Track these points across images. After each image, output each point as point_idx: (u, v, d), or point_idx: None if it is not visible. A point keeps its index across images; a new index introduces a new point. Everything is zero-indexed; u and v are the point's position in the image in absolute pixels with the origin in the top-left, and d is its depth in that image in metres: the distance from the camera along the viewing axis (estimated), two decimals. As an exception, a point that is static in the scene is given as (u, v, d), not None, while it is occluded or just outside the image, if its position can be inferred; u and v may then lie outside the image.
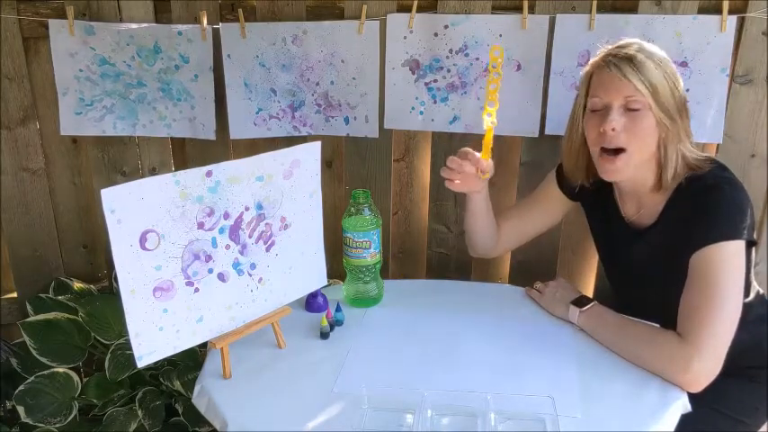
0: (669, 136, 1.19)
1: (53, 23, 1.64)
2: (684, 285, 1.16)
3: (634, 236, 1.31)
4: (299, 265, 1.26)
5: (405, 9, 1.61)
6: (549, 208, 1.48)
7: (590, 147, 1.26)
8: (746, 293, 1.21)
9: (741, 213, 1.15)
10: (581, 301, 1.29)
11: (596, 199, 1.40)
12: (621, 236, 1.34)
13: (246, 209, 1.14)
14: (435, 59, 1.63)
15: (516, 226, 1.49)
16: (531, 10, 1.55)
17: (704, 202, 1.17)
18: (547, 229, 1.51)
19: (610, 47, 1.23)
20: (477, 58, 1.60)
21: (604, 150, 1.21)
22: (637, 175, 1.24)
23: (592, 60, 1.25)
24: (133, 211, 0.99)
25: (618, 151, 1.20)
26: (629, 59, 1.16)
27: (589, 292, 1.77)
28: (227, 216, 1.11)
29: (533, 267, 1.56)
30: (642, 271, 1.31)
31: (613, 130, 1.17)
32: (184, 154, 1.83)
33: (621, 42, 1.22)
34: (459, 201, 1.77)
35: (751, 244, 1.19)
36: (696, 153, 1.23)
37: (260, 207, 1.16)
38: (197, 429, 1.64)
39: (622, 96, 1.17)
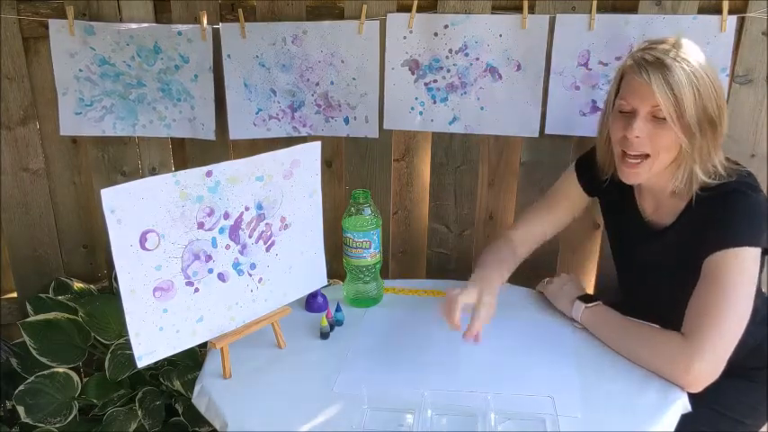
0: (687, 154, 1.16)
1: (53, 23, 1.64)
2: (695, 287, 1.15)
3: (651, 236, 1.29)
4: (299, 265, 1.26)
5: (405, 9, 1.60)
6: (567, 206, 1.44)
7: (613, 146, 1.24)
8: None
9: (761, 220, 1.14)
10: (586, 299, 1.30)
11: (615, 194, 1.37)
12: (637, 234, 1.33)
13: (246, 209, 1.14)
14: (435, 59, 1.63)
15: (533, 232, 1.45)
16: (531, 10, 1.55)
17: (724, 207, 1.15)
18: (561, 229, 1.48)
19: (642, 48, 1.18)
20: (477, 59, 1.60)
21: (626, 154, 1.20)
22: (656, 179, 1.23)
23: (629, 56, 1.20)
24: (133, 211, 0.99)
25: (640, 155, 1.18)
26: (662, 67, 1.11)
27: (589, 292, 1.77)
28: (227, 216, 1.11)
29: (533, 267, 1.55)
30: (655, 270, 1.30)
31: (637, 137, 1.16)
32: (184, 154, 1.83)
33: (660, 40, 1.18)
34: (458, 201, 1.77)
35: (766, 251, 1.17)
36: (722, 164, 1.19)
37: (260, 207, 1.16)
38: (197, 429, 1.64)
39: (649, 105, 1.14)
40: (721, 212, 1.16)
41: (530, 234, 1.45)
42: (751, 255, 1.12)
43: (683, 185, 1.20)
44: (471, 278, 1.27)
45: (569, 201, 1.44)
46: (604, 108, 1.30)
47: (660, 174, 1.21)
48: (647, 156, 1.17)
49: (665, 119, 1.13)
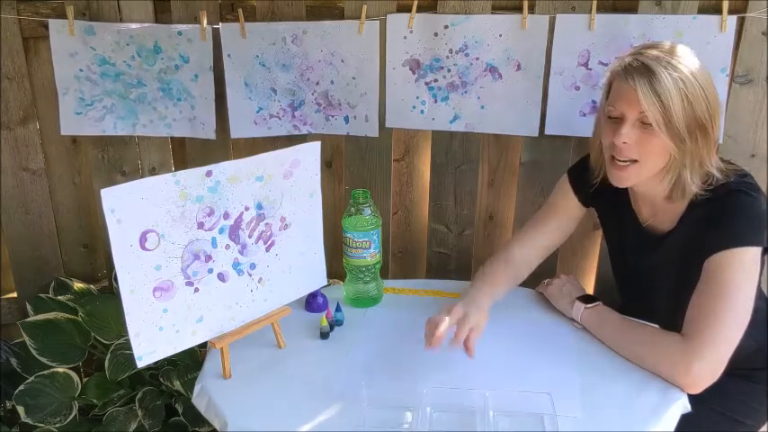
0: (678, 159, 1.15)
1: (53, 23, 1.64)
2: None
3: (651, 242, 1.29)
4: (299, 265, 1.26)
5: (405, 9, 1.60)
6: (565, 219, 1.42)
7: (603, 151, 1.24)
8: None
9: (760, 220, 1.14)
10: (586, 299, 1.29)
11: (611, 203, 1.37)
12: (637, 242, 1.32)
13: (246, 209, 1.14)
14: (435, 59, 1.63)
15: (534, 248, 1.41)
16: (531, 10, 1.55)
17: (724, 207, 1.15)
18: (560, 243, 1.45)
19: (629, 55, 1.16)
20: (478, 58, 1.60)
21: (614, 159, 1.19)
22: (649, 184, 1.23)
23: (618, 62, 1.19)
24: (133, 211, 0.99)
25: (628, 160, 1.18)
26: (648, 73, 1.10)
27: (589, 293, 1.77)
28: (226, 216, 1.11)
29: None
30: (656, 276, 1.30)
31: (624, 143, 1.15)
32: (184, 154, 1.83)
33: (652, 44, 1.17)
34: (458, 201, 1.77)
35: (767, 251, 1.17)
36: (718, 167, 1.18)
37: (260, 207, 1.16)
38: (197, 429, 1.64)
39: (636, 111, 1.13)
40: (721, 213, 1.15)
41: (532, 251, 1.40)
42: (751, 255, 1.12)
43: (678, 191, 1.19)
44: (460, 299, 1.22)
45: (566, 213, 1.42)
46: (598, 111, 1.29)
47: (652, 179, 1.21)
48: (636, 161, 1.17)
49: (651, 125, 1.12)
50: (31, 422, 1.59)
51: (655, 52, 1.13)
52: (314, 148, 1.22)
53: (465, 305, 1.17)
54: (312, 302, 1.39)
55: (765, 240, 1.14)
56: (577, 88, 1.58)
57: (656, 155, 1.15)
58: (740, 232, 1.13)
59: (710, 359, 1.09)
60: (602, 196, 1.36)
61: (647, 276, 1.32)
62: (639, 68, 1.12)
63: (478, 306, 1.19)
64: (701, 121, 1.13)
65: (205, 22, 1.63)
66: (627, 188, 1.33)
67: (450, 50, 1.61)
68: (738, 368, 1.16)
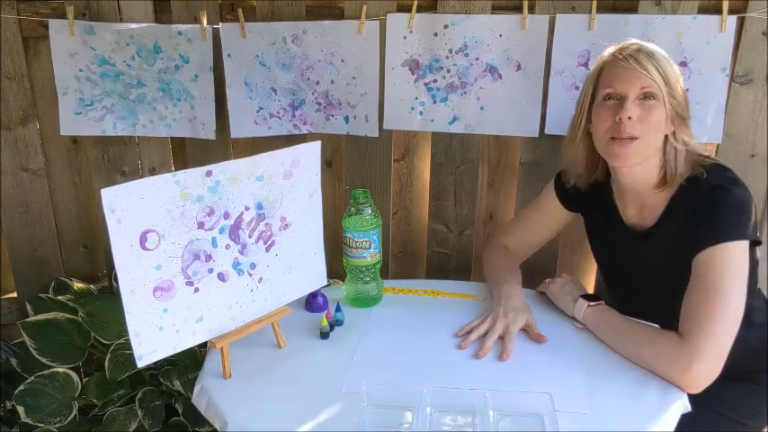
0: (675, 130, 1.20)
1: (53, 23, 1.64)
2: (687, 286, 1.16)
3: (636, 239, 1.30)
4: (299, 265, 1.26)
5: (405, 9, 1.61)
6: (550, 220, 1.49)
7: (597, 139, 1.25)
8: (750, 294, 1.21)
9: (745, 213, 1.15)
10: (588, 298, 1.30)
11: (595, 205, 1.39)
12: (622, 240, 1.33)
13: (246, 209, 1.14)
14: (435, 59, 1.63)
15: (525, 243, 1.52)
16: (531, 10, 1.55)
17: (708, 203, 1.16)
18: (551, 238, 1.55)
19: (615, 47, 1.24)
20: (477, 59, 1.60)
21: (615, 139, 1.21)
22: (641, 170, 1.24)
23: (599, 58, 1.26)
24: (133, 211, 0.99)
25: (631, 139, 1.20)
26: (644, 52, 1.19)
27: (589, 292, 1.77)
28: (227, 216, 1.11)
29: (533, 268, 1.56)
30: (644, 273, 1.31)
31: (630, 118, 1.17)
32: (184, 154, 1.83)
33: (626, 42, 1.24)
34: (458, 201, 1.77)
35: (755, 243, 1.18)
36: (699, 149, 1.24)
37: (260, 207, 1.16)
38: (197, 429, 1.64)
39: (638, 87, 1.18)
40: (706, 209, 1.16)
41: (523, 245, 1.52)
42: (739, 248, 1.13)
43: (669, 174, 1.22)
44: (501, 294, 1.34)
45: (553, 217, 1.49)
46: (578, 110, 1.30)
47: (644, 165, 1.23)
48: (636, 139, 1.19)
49: (652, 100, 1.18)
50: (31, 422, 1.59)
51: (635, 42, 1.23)
52: (314, 148, 1.22)
53: (523, 312, 1.28)
54: (312, 302, 1.39)
55: (751, 233, 1.15)
56: (577, 88, 1.57)
57: (655, 131, 1.19)
58: (726, 227, 1.14)
59: (709, 359, 1.09)
60: (588, 201, 1.40)
61: (638, 275, 1.33)
62: (636, 50, 1.20)
63: (525, 306, 1.31)
64: (685, 97, 1.22)
65: (205, 22, 1.63)
66: (611, 190, 1.35)
67: (450, 50, 1.61)
68: (739, 370, 1.17)
